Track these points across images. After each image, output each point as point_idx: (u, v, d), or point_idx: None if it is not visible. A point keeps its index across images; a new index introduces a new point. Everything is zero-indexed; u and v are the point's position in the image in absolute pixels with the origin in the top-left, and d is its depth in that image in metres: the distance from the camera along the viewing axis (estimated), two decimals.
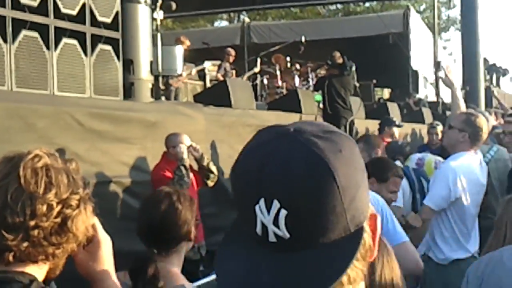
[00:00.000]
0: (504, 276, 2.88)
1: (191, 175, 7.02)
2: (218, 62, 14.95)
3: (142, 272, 2.94)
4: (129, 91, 8.10)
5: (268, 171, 1.06)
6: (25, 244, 1.73)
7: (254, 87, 14.94)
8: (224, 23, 37.37)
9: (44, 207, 1.72)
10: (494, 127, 8.48)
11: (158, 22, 9.29)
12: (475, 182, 5.38)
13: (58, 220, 1.75)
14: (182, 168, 6.59)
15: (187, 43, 13.23)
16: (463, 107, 4.90)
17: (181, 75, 11.78)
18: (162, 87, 10.64)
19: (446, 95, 22.14)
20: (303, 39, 16.17)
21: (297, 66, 16.18)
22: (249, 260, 1.09)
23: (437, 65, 21.20)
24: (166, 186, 3.43)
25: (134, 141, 7.18)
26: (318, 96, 12.48)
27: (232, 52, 15.24)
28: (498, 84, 26.57)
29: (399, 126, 10.80)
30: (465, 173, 5.25)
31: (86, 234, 1.86)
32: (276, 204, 1.05)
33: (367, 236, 1.12)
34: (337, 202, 1.06)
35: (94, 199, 1.93)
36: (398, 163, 7.09)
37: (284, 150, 1.07)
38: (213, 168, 7.07)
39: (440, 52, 24.95)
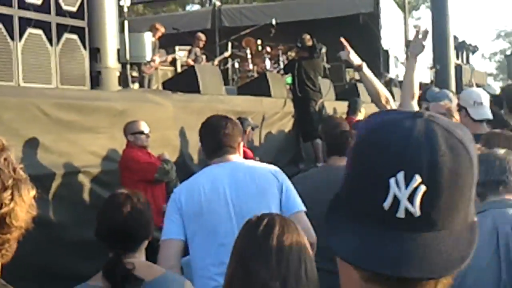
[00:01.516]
0: None
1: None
2: (188, 48, 14.92)
3: (116, 272, 2.99)
4: (96, 80, 8.08)
5: (412, 146, 1.05)
6: None
7: (226, 71, 14.94)
8: (196, 7, 37.19)
9: None
10: None
11: (125, 10, 9.25)
12: None
13: None
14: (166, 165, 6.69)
15: (162, 30, 13.21)
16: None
17: (153, 61, 11.76)
18: (135, 74, 10.63)
19: (416, 74, 22.23)
20: (273, 21, 16.18)
21: (268, 49, 16.17)
22: (368, 235, 1.07)
23: (408, 44, 21.29)
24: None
25: (102, 130, 7.17)
26: (289, 79, 12.51)
27: (202, 37, 15.21)
28: (468, 62, 26.73)
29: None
30: None
31: (30, 215, 1.78)
32: (416, 179, 1.04)
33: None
34: (469, 190, 1.08)
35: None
36: None
37: (425, 129, 1.07)
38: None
39: (411, 31, 25.03)
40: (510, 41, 76.92)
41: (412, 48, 4.68)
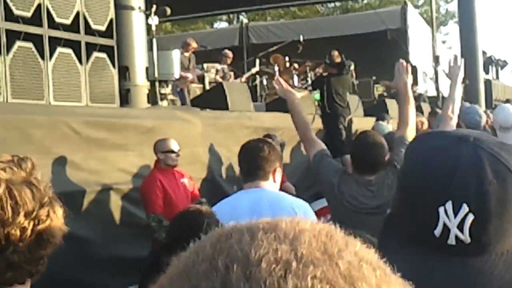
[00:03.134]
0: None
1: (186, 180, 7.06)
2: (216, 65, 14.99)
3: None
4: (125, 97, 8.15)
5: (460, 174, 1.06)
6: (9, 274, 1.70)
7: (254, 88, 14.97)
8: (224, 24, 37.42)
9: (18, 232, 1.66)
10: None
11: (153, 28, 9.31)
12: None
13: (33, 237, 1.71)
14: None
15: (194, 44, 13.28)
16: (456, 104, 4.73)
17: (186, 77, 11.82)
18: (164, 91, 10.68)
19: (445, 90, 22.15)
20: (301, 38, 16.22)
21: (296, 65, 16.18)
22: (421, 261, 1.09)
23: (436, 60, 21.22)
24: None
25: (131, 147, 7.21)
26: (317, 95, 12.50)
27: (230, 54, 15.27)
28: (497, 77, 26.53)
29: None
30: None
31: (62, 232, 1.80)
32: (464, 208, 1.05)
33: None
34: None
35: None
36: None
37: (471, 156, 1.08)
38: None
39: (439, 46, 24.93)
40: None
41: (449, 74, 4.76)
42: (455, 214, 1.06)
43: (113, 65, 7.85)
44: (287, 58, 16.27)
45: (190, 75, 12.34)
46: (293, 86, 14.83)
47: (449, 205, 1.06)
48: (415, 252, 1.10)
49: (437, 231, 1.07)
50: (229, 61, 15.21)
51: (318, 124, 11.23)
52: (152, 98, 8.88)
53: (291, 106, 4.78)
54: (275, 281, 0.62)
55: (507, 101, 15.33)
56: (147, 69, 8.64)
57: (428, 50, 22.57)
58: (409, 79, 4.72)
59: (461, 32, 20.31)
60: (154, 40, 9.31)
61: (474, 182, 1.05)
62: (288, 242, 0.67)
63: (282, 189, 7.89)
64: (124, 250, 6.74)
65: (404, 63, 4.79)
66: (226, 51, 15.53)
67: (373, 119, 11.65)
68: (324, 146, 4.73)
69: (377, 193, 4.55)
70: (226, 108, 9.45)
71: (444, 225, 1.06)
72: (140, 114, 7.83)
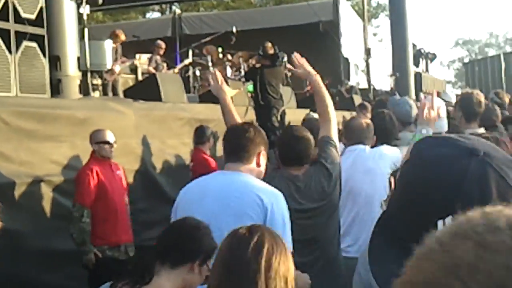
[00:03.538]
0: None
1: (121, 171, 7.00)
2: (149, 55, 14.87)
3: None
4: (56, 88, 7.99)
5: (464, 192, 1.05)
6: None
7: (187, 79, 14.89)
8: (157, 15, 37.10)
9: None
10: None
11: (85, 17, 9.17)
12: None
13: None
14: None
15: (122, 37, 13.11)
16: None
17: (112, 69, 11.67)
18: (95, 82, 10.53)
19: (376, 82, 22.48)
20: (234, 29, 16.20)
21: (229, 56, 16.18)
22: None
23: (368, 52, 21.51)
24: None
25: (63, 138, 7.10)
26: (250, 87, 12.51)
27: (162, 44, 15.17)
28: (427, 70, 27.02)
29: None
30: None
31: None
32: None
33: None
34: None
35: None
36: None
37: (479, 173, 1.06)
38: None
39: (371, 39, 25.25)
40: (468, 49, 78.11)
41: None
42: None
43: (44, 55, 7.70)
44: (220, 49, 16.25)
45: (118, 68, 12.19)
46: (226, 77, 14.84)
47: (449, 220, 1.04)
48: (404, 254, 1.04)
49: None
50: (161, 52, 15.10)
51: (251, 115, 11.25)
52: (84, 89, 8.76)
53: (222, 105, 4.76)
54: None
55: (437, 93, 15.59)
56: (78, 59, 8.49)
57: (360, 43, 22.85)
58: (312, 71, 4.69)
59: (392, 25, 20.59)
60: (86, 30, 9.18)
61: (478, 201, 1.00)
62: None
63: None
64: (55, 243, 6.64)
65: (297, 56, 4.80)
66: (159, 41, 15.42)
67: (306, 111, 11.73)
68: None
69: (304, 189, 4.56)
70: (160, 100, 9.39)
71: None
72: (72, 105, 7.71)
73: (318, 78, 4.69)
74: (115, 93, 11.85)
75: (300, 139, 4.67)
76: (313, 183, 4.52)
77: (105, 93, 11.30)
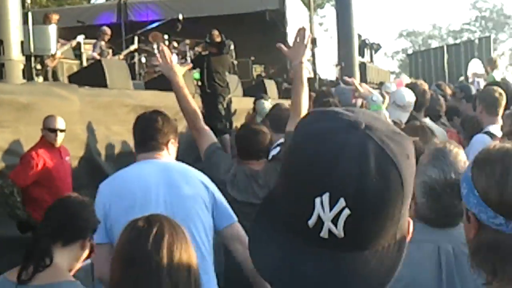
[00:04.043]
0: None
1: (70, 157, 6.96)
2: (93, 41, 14.68)
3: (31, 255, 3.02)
4: None
5: (340, 168, 1.00)
6: None
7: (132, 65, 14.78)
8: (101, 0, 36.64)
9: None
10: None
11: (29, 1, 9.02)
12: None
13: None
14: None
15: (55, 18, 12.80)
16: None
17: (55, 54, 11.49)
18: (39, 67, 10.37)
19: (322, 71, 22.62)
20: (180, 16, 16.13)
21: (175, 44, 16.11)
22: (290, 250, 1.04)
23: (313, 42, 21.61)
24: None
25: (5, 124, 6.98)
26: (196, 74, 12.48)
27: (108, 31, 14.99)
28: (371, 60, 27.32)
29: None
30: None
31: None
32: (341, 203, 1.00)
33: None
34: (397, 210, 1.04)
35: None
36: None
37: (356, 147, 1.01)
38: None
39: (316, 29, 25.40)
40: (412, 40, 79.17)
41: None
42: (331, 208, 1.00)
43: None
44: (166, 37, 16.16)
45: (58, 53, 11.98)
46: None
47: (326, 197, 1.00)
48: (288, 240, 1.05)
49: (311, 222, 1.01)
50: (106, 38, 14.93)
51: (197, 103, 11.22)
52: (28, 74, 8.61)
53: (176, 89, 4.48)
54: None
55: (381, 83, 15.79)
56: (22, 43, 8.35)
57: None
58: (305, 57, 4.37)
59: (337, 15, 20.75)
60: (30, 14, 9.03)
61: (355, 176, 1.00)
62: None
63: None
64: None
65: (307, 31, 4.38)
66: (104, 27, 15.23)
67: (252, 99, 11.75)
68: (215, 139, 4.62)
69: (263, 185, 4.59)
70: (105, 86, 9.29)
71: (319, 217, 1.01)
72: (15, 89, 7.58)
73: (302, 66, 4.39)
74: (55, 79, 11.66)
75: (258, 133, 4.74)
76: (272, 179, 4.52)
77: (45, 79, 11.12)
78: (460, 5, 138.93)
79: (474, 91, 10.09)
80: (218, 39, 11.62)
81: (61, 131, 6.75)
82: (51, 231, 3.07)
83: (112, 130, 8.64)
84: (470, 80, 15.32)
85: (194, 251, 2.41)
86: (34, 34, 9.19)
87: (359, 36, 22.88)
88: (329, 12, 49.57)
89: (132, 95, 9.58)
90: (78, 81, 9.22)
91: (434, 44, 67.74)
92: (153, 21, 17.34)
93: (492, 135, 5.62)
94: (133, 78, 13.05)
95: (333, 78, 20.73)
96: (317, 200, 1.01)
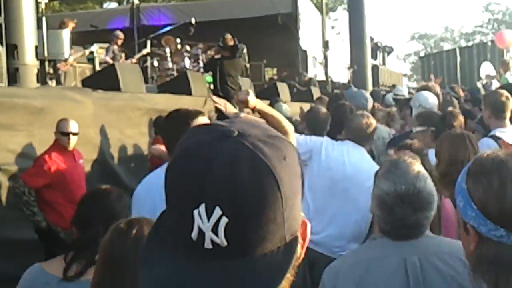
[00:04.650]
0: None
1: (83, 160, 7.00)
2: (106, 45, 14.75)
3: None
4: (14, 77, 7.91)
5: (212, 176, 1.00)
6: None
7: (145, 69, 14.84)
8: (114, 5, 36.78)
9: None
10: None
11: (43, 6, 9.09)
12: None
13: None
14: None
15: (72, 24, 12.93)
16: None
17: (68, 59, 11.57)
18: (50, 71, 10.44)
19: (334, 74, 22.62)
20: (192, 20, 16.19)
21: (188, 47, 16.17)
22: (177, 266, 1.04)
23: (326, 45, 21.63)
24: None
25: (20, 127, 7.03)
26: (209, 78, 12.53)
27: (121, 35, 15.05)
28: (384, 63, 27.28)
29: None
30: None
31: None
32: (217, 211, 1.00)
33: (298, 245, 1.09)
34: (279, 212, 1.03)
35: None
36: None
37: (229, 155, 1.02)
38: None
39: (329, 32, 25.41)
40: (424, 43, 78.97)
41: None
42: (209, 217, 1.00)
43: (1, 43, 7.62)
44: (178, 40, 16.23)
45: (71, 58, 12.06)
46: (185, 68, 14.83)
47: (202, 207, 1.00)
48: (174, 257, 1.05)
49: (194, 235, 1.01)
50: (119, 42, 14.98)
51: (210, 106, 11.26)
52: (42, 78, 8.67)
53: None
54: None
55: (393, 86, 15.78)
56: (36, 48, 8.42)
57: (318, 35, 22.96)
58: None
59: (350, 18, 20.74)
60: (44, 19, 9.10)
61: (228, 182, 1.01)
62: None
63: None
64: (11, 233, 6.59)
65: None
66: (117, 31, 15.29)
67: (265, 102, 11.78)
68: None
69: None
70: (118, 89, 9.34)
71: (199, 228, 1.01)
72: (29, 93, 7.63)
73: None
74: (66, 84, 11.72)
75: None
76: None
77: (58, 83, 11.19)
78: (472, 7, 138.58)
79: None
80: (231, 43, 11.66)
81: (74, 134, 6.79)
82: (101, 222, 3.04)
83: (125, 134, 8.69)
84: (484, 82, 15.27)
85: None
86: (48, 39, 9.26)
87: (371, 39, 22.88)
88: (341, 15, 49.54)
89: (145, 99, 9.63)
90: (91, 85, 9.28)
91: (447, 46, 67.52)
92: (166, 25, 17.41)
93: (497, 139, 5.61)
94: (146, 81, 13.12)
95: (345, 81, 20.72)
96: (195, 212, 1.01)
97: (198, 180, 1.01)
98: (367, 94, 8.48)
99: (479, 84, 12.32)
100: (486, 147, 3.32)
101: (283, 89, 14.99)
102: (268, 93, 13.64)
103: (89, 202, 3.26)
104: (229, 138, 1.04)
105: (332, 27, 42.61)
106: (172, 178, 1.06)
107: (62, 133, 6.73)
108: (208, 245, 1.01)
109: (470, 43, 50.92)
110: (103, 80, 9.59)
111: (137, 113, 8.99)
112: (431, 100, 6.49)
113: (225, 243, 1.01)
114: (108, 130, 8.34)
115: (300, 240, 1.10)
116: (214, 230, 1.00)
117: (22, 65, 8.09)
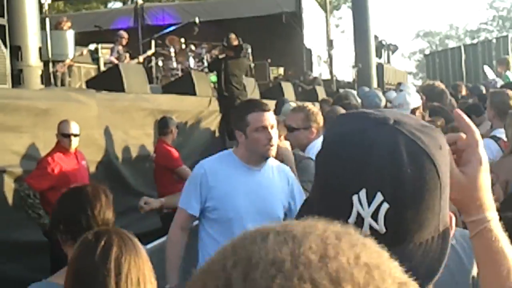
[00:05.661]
0: None
1: (86, 161, 6.98)
2: (110, 45, 14.72)
3: None
4: (17, 78, 7.90)
5: (374, 162, 1.00)
6: None
7: (149, 69, 14.82)
8: (118, 5, 36.75)
9: None
10: None
11: (46, 7, 9.07)
12: None
13: None
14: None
15: (67, 25, 12.83)
16: None
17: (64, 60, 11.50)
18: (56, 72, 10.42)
19: (338, 73, 22.60)
20: (197, 20, 16.17)
21: (192, 47, 16.16)
22: None
23: (330, 43, 21.60)
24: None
25: (24, 129, 7.03)
26: (213, 77, 12.51)
27: (125, 35, 15.03)
28: (388, 61, 27.22)
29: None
30: None
31: None
32: (379, 197, 1.00)
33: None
34: (437, 200, 1.03)
35: None
36: None
37: (388, 141, 1.02)
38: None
39: (333, 30, 25.37)
40: (429, 40, 78.82)
41: None
42: (369, 203, 1.00)
43: (5, 45, 7.59)
44: (182, 40, 16.21)
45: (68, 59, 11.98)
46: (189, 68, 14.82)
47: (363, 193, 1.00)
48: None
49: (351, 220, 1.01)
50: (124, 42, 14.96)
51: (214, 106, 11.25)
52: (46, 79, 8.66)
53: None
54: (266, 282, 0.64)
55: (399, 84, 15.73)
56: (40, 49, 8.40)
57: (322, 34, 22.93)
58: None
59: (354, 17, 20.72)
60: (47, 20, 9.09)
61: (389, 169, 1.00)
62: (291, 244, 0.68)
63: (177, 172, 7.87)
64: (17, 235, 6.59)
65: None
66: (121, 32, 15.27)
67: (269, 101, 11.75)
68: None
69: None
70: (123, 90, 9.33)
71: (358, 214, 1.01)
72: (34, 95, 7.63)
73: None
74: (63, 84, 11.66)
75: None
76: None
77: (62, 84, 11.14)
78: (477, 4, 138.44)
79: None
80: (236, 43, 11.63)
81: (75, 135, 6.76)
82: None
83: (129, 134, 8.68)
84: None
85: (147, 262, 2.40)
86: (52, 39, 9.24)
87: (376, 37, 22.83)
88: (345, 14, 49.46)
89: (149, 99, 9.62)
90: (95, 86, 9.28)
91: (451, 44, 67.37)
92: (170, 25, 17.40)
93: (497, 139, 5.61)
94: (150, 82, 13.10)
95: (350, 80, 20.69)
96: (355, 197, 1.01)
97: (359, 167, 1.01)
98: (380, 93, 8.48)
99: (481, 87, 12.31)
100: (486, 147, 3.29)
101: (288, 89, 14.96)
102: (273, 93, 13.63)
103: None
104: (385, 125, 1.04)
105: (337, 26, 42.62)
106: (330, 165, 1.06)
107: (63, 135, 6.71)
108: (366, 231, 1.01)
109: (475, 41, 50.78)
110: (107, 80, 9.57)
111: (142, 114, 8.98)
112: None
113: (384, 230, 1.01)
114: (112, 131, 8.33)
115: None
116: (374, 216, 1.01)
117: (26, 67, 8.08)
